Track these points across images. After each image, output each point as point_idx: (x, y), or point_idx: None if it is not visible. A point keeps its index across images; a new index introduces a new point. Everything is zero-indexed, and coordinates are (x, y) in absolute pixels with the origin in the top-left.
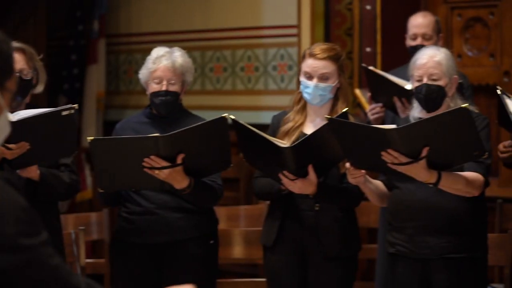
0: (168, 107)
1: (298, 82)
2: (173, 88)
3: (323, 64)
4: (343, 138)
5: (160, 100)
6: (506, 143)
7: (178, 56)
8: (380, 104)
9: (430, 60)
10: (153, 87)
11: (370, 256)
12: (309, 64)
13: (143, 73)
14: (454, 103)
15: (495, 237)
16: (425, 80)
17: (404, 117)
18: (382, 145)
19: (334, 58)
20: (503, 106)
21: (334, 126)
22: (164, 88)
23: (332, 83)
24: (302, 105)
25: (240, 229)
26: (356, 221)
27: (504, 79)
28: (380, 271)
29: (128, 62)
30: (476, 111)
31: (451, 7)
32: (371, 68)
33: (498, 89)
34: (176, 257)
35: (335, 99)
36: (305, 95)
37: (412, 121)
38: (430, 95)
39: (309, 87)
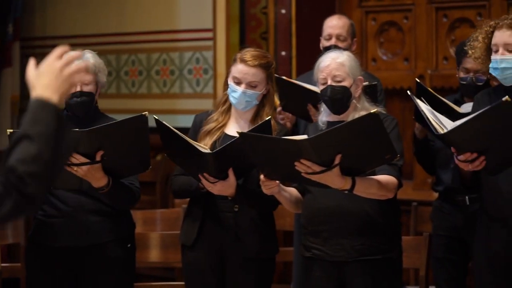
0: (84, 108)
1: (226, 84)
2: (87, 89)
3: (253, 72)
4: (256, 151)
5: (75, 101)
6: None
7: (89, 57)
8: (289, 115)
9: (333, 62)
10: None
11: (286, 259)
12: (239, 69)
13: None
14: (361, 104)
15: (410, 239)
16: (329, 82)
17: (313, 123)
18: (295, 156)
19: (264, 66)
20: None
21: (246, 140)
22: (78, 89)
23: (260, 90)
24: (227, 107)
25: (156, 232)
26: (273, 223)
27: None
28: (296, 274)
29: None
30: (384, 112)
31: (365, 11)
32: (283, 77)
33: (409, 92)
34: (93, 260)
35: (261, 105)
36: (232, 99)
37: (321, 125)
38: (335, 96)
39: (236, 92)
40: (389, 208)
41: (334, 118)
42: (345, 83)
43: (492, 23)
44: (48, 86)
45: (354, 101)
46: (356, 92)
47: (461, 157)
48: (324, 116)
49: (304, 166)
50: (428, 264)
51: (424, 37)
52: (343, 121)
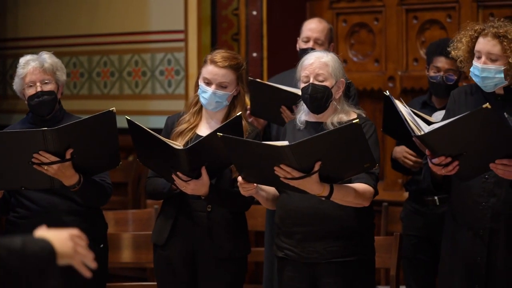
0: (47, 106)
1: (197, 85)
2: (47, 88)
3: (223, 73)
4: (236, 154)
5: (37, 101)
6: (410, 153)
7: (46, 57)
8: (259, 119)
9: (317, 60)
10: (28, 92)
11: (258, 259)
12: (209, 70)
13: (16, 83)
14: (341, 106)
15: (381, 239)
16: (311, 80)
17: (291, 120)
18: (275, 161)
19: (234, 67)
20: (389, 113)
21: (227, 143)
22: (38, 89)
23: (230, 91)
24: (199, 108)
25: (128, 233)
26: (246, 223)
27: (389, 84)
28: (266, 274)
29: (15, 66)
30: (363, 115)
31: (336, 13)
32: (257, 80)
33: (386, 93)
34: None
35: (232, 106)
36: (202, 100)
37: (299, 124)
38: (316, 95)
39: (206, 93)
40: (363, 211)
41: (312, 118)
42: (326, 83)
43: (477, 27)
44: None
45: (334, 102)
46: (337, 93)
47: (435, 160)
48: (303, 115)
49: (283, 172)
50: (399, 264)
51: (395, 39)
52: (321, 122)
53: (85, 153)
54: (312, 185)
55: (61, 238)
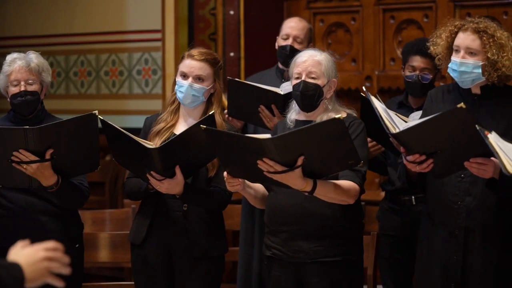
0: (29, 107)
1: (175, 83)
2: (31, 88)
3: (199, 65)
4: (220, 148)
5: (20, 100)
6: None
7: (33, 57)
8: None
9: (310, 58)
10: (12, 90)
11: (235, 258)
12: (186, 64)
13: (0, 79)
14: (332, 106)
15: None
16: (303, 78)
17: (282, 120)
18: (258, 154)
19: (211, 61)
20: (366, 113)
21: (210, 136)
22: (22, 88)
23: (207, 86)
24: (176, 107)
25: (105, 232)
26: (223, 222)
27: (366, 84)
28: (241, 274)
29: None
30: (354, 115)
31: (313, 12)
32: (236, 79)
33: (366, 91)
34: None
35: (209, 103)
36: (178, 94)
37: (289, 123)
38: (307, 92)
39: (183, 86)
40: (350, 211)
41: (303, 116)
42: (318, 82)
43: (458, 23)
44: (23, 264)
45: (326, 102)
46: (328, 93)
47: (410, 157)
48: (293, 114)
49: (266, 165)
50: (376, 264)
51: (372, 39)
52: (311, 121)
53: (65, 154)
54: (295, 180)
55: (33, 262)
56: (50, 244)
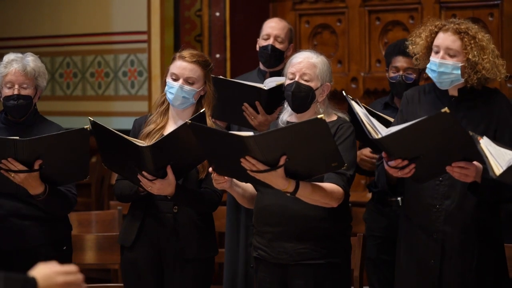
0: (21, 111)
1: (164, 84)
2: (25, 92)
3: (190, 67)
4: (205, 144)
5: (12, 104)
6: (367, 156)
7: (30, 60)
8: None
9: (306, 60)
10: (5, 92)
11: (223, 260)
12: (177, 65)
13: None
14: (324, 109)
15: None
16: (297, 78)
17: (274, 121)
18: (242, 152)
19: (202, 64)
20: (353, 114)
21: (195, 131)
22: (16, 92)
23: (197, 88)
24: (166, 108)
25: (92, 234)
26: (213, 224)
27: (352, 85)
28: (227, 276)
29: None
30: (347, 118)
31: (299, 14)
32: (221, 77)
33: (347, 96)
34: (27, 264)
35: (199, 106)
36: (168, 95)
37: (281, 124)
38: (298, 93)
39: (173, 88)
40: (336, 213)
41: (294, 118)
42: (311, 84)
43: (438, 23)
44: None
45: (318, 105)
46: (321, 96)
47: (392, 163)
48: (285, 115)
49: (249, 164)
50: (362, 265)
51: (357, 40)
52: None
53: (54, 165)
54: (277, 180)
55: (51, 284)
56: (71, 268)
